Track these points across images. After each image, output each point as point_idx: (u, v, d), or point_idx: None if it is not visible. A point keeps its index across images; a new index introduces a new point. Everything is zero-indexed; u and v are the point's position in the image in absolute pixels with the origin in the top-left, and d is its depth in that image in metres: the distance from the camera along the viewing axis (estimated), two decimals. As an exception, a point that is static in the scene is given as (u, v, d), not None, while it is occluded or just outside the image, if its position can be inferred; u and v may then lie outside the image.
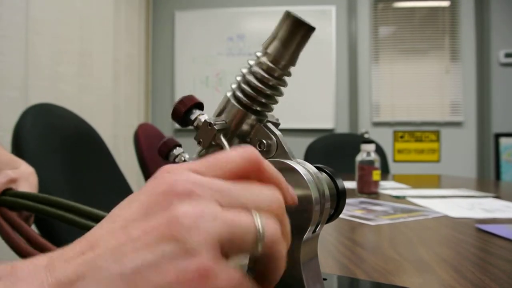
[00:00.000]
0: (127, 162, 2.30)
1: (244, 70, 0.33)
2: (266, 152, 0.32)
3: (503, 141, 2.90)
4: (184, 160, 0.37)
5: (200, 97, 0.36)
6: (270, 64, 0.31)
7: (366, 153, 1.15)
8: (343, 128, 2.99)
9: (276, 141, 0.32)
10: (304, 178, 0.30)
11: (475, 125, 2.95)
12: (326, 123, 2.94)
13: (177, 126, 3.03)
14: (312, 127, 2.85)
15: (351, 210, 0.88)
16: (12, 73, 1.46)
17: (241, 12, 3.05)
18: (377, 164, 1.14)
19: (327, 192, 0.31)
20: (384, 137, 2.94)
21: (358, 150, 1.18)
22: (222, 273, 0.20)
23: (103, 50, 2.19)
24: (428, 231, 0.70)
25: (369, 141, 1.16)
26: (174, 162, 0.37)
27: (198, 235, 0.19)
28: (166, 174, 0.22)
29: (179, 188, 0.21)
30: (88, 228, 0.29)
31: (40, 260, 0.20)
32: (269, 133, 0.32)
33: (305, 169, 0.31)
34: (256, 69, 0.32)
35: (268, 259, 0.23)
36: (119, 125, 2.43)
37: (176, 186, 0.21)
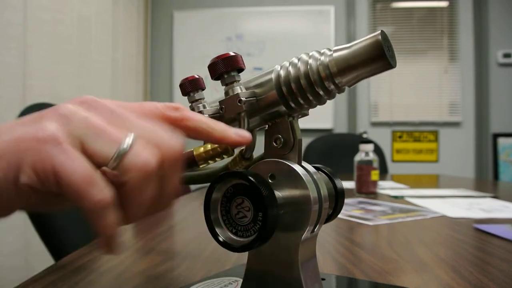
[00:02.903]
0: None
1: (300, 59, 0.29)
2: (279, 148, 0.31)
3: (501, 141, 2.91)
4: (201, 111, 0.33)
5: (198, 97, 0.35)
6: (329, 72, 0.28)
7: (365, 153, 1.15)
8: (341, 128, 2.99)
9: (294, 143, 0.31)
10: (302, 178, 0.30)
11: (474, 125, 2.96)
12: (325, 123, 2.94)
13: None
14: (310, 127, 2.85)
15: (350, 210, 0.88)
16: (10, 72, 1.46)
17: (240, 12, 3.04)
18: (376, 164, 1.14)
19: (325, 192, 0.31)
20: (382, 137, 2.94)
21: (356, 150, 1.18)
22: (72, 155, 0.22)
23: (101, 50, 2.19)
24: (427, 231, 0.70)
25: (368, 141, 1.16)
26: (191, 104, 0.34)
27: (68, 122, 0.23)
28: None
29: (79, 98, 0.24)
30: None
31: None
32: (291, 132, 0.31)
33: (304, 169, 0.31)
34: (313, 67, 0.29)
35: (128, 190, 0.23)
36: (118, 125, 2.42)
37: (79, 98, 0.24)
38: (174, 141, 0.24)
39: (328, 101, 0.31)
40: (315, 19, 3.00)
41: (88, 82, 2.03)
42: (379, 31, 0.27)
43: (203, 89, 0.34)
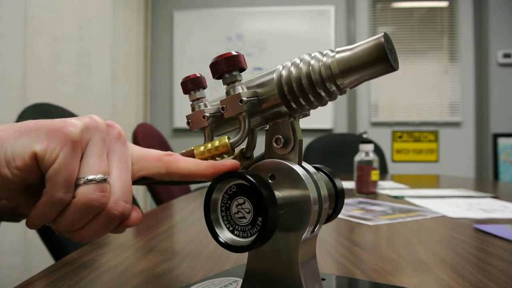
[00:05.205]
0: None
1: (303, 59, 0.29)
2: (279, 149, 0.31)
3: (501, 141, 2.91)
4: (201, 110, 0.33)
5: (198, 97, 0.35)
6: (331, 73, 0.28)
7: (365, 153, 1.15)
8: (341, 128, 2.99)
9: (294, 144, 0.31)
10: (302, 179, 0.29)
11: (474, 125, 2.96)
12: (325, 123, 2.94)
13: (176, 126, 3.03)
14: (310, 127, 2.85)
15: (350, 210, 0.88)
16: (10, 73, 1.46)
17: (240, 12, 3.05)
18: (376, 164, 1.14)
19: (325, 192, 0.31)
20: (382, 137, 2.94)
21: (356, 150, 1.18)
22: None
23: (101, 50, 2.19)
24: (427, 231, 0.70)
25: (368, 141, 1.16)
26: (192, 102, 0.34)
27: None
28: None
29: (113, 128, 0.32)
30: None
31: None
32: (292, 133, 0.31)
33: (304, 169, 0.31)
34: (315, 67, 0.29)
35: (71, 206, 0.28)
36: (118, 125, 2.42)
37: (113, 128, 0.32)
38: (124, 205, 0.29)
39: (328, 101, 0.31)
40: (315, 19, 3.00)
41: (88, 82, 2.03)
42: (382, 34, 0.27)
43: (204, 88, 0.34)
